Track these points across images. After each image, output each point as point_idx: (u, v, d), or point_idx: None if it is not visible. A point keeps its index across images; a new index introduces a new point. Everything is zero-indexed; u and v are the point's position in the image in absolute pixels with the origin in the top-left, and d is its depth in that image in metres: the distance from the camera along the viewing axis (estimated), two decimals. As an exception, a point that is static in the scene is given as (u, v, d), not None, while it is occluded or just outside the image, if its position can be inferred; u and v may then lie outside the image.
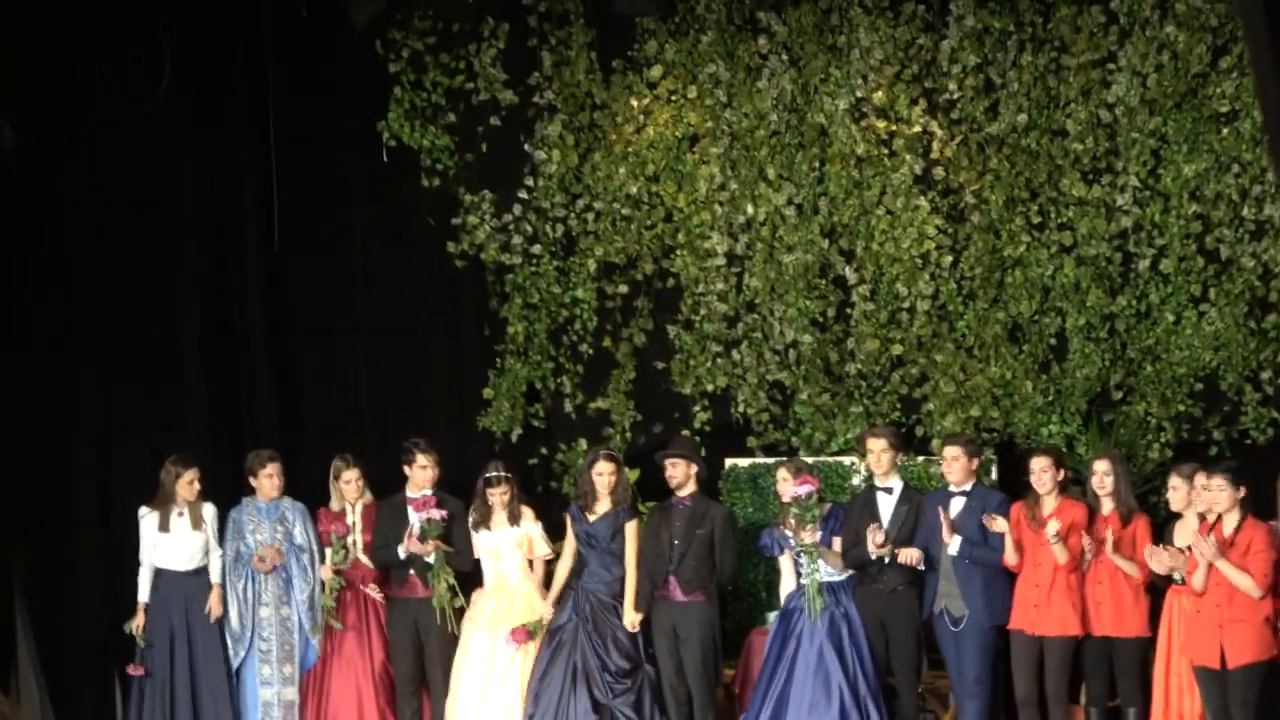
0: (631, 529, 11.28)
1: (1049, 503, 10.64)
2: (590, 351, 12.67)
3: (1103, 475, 10.63)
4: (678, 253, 12.51)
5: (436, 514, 11.39)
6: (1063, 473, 10.70)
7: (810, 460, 11.74)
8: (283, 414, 12.84)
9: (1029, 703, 10.61)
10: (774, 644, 11.08)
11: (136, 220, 12.61)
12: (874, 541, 10.76)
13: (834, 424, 12.27)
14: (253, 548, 11.61)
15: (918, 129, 12.17)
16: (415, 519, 11.48)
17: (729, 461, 12.37)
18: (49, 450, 12.26)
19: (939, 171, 12.15)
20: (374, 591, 11.70)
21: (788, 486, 11.07)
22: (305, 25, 12.58)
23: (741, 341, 12.45)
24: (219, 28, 12.60)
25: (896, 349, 12.23)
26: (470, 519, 11.57)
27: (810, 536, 11.00)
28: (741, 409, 12.46)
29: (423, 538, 11.40)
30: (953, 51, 12.09)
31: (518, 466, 12.27)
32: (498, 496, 11.48)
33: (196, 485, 11.50)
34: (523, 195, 12.68)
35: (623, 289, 12.62)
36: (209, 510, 11.61)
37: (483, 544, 11.56)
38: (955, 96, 12.12)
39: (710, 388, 12.48)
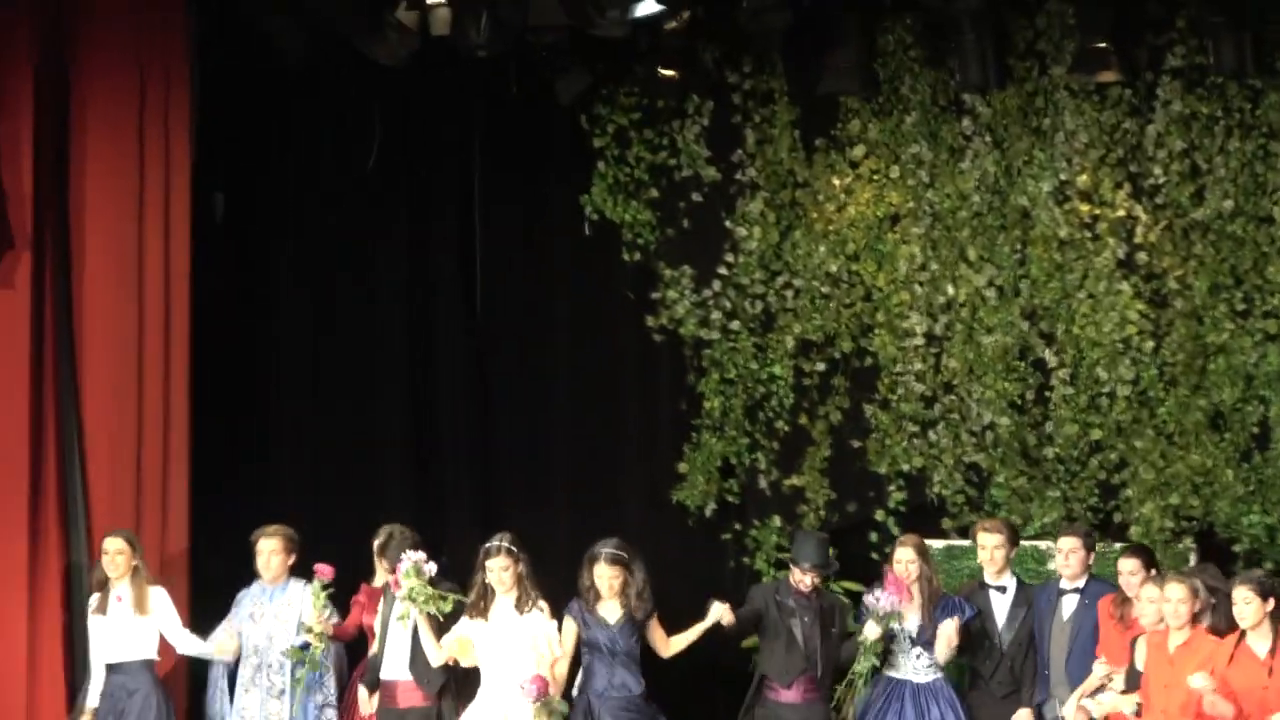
0: (654, 621, 10.24)
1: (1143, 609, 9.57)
2: (786, 428, 12.64)
3: None
4: (876, 332, 12.49)
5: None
6: (1153, 571, 9.91)
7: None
8: (481, 482, 12.97)
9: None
10: None
11: (343, 286, 12.91)
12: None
13: (1030, 508, 12.16)
14: (243, 635, 10.75)
15: (1121, 213, 12.07)
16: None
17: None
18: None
19: (1142, 256, 12.04)
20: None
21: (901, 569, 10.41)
22: (512, 101, 12.75)
23: (938, 422, 12.38)
24: (429, 102, 12.81)
25: (1095, 433, 12.10)
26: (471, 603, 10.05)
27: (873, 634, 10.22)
28: (937, 490, 12.39)
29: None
30: (1159, 136, 11.98)
31: (711, 542, 12.30)
32: (497, 573, 9.90)
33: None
34: (722, 271, 12.72)
35: (820, 366, 12.60)
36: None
37: (480, 638, 9.95)
38: (1160, 181, 12.01)
39: (906, 468, 12.41)
